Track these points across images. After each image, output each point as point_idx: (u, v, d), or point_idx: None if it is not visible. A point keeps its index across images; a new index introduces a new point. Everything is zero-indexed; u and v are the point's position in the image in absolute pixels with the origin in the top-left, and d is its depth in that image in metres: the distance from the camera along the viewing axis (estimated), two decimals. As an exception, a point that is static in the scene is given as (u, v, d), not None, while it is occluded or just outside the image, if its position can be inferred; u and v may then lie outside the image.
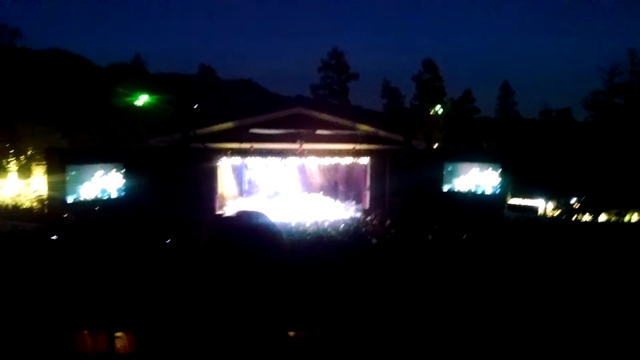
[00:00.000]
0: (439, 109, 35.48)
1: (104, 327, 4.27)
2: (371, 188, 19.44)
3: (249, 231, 1.42)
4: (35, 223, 13.51)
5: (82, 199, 15.56)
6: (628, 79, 35.97)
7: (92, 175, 15.90)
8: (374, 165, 19.25)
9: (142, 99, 22.26)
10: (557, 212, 19.73)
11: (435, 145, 30.95)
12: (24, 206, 18.28)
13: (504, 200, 18.81)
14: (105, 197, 16.19)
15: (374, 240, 10.62)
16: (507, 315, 5.92)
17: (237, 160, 18.91)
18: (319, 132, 18.32)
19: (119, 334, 4.20)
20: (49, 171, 16.10)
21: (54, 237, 10.02)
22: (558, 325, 5.59)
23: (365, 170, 19.78)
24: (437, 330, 5.53)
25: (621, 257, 9.22)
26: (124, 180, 16.68)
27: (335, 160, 19.57)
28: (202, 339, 1.38)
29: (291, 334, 1.46)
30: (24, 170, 22.07)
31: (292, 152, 18.45)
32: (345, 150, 18.86)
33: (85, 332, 4.26)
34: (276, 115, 19.17)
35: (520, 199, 19.70)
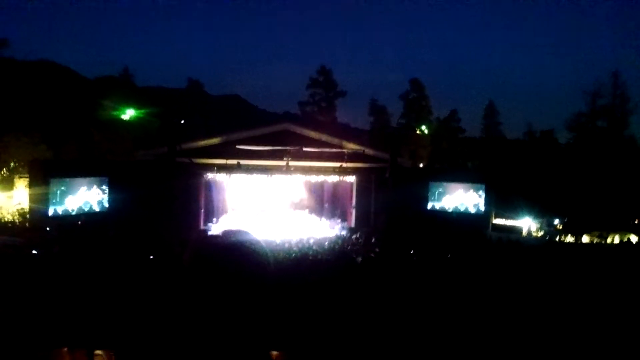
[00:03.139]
0: (425, 128, 35.84)
1: (83, 345, 4.22)
2: (357, 206, 19.49)
3: (233, 249, 1.43)
4: (17, 237, 13.30)
5: (65, 212, 15.35)
6: (610, 101, 36.63)
7: (76, 189, 15.69)
8: (359, 183, 19.32)
9: (129, 112, 22.22)
10: (540, 233, 19.91)
11: (421, 164, 31.17)
12: (5, 219, 18.00)
13: (488, 220, 18.94)
14: (89, 211, 15.99)
15: (358, 259, 10.63)
16: (491, 334, 5.95)
17: (223, 176, 18.85)
18: (305, 149, 18.37)
19: (98, 352, 4.15)
20: (32, 184, 15.83)
21: (35, 252, 9.89)
22: (541, 343, 5.63)
23: (351, 188, 19.83)
24: (420, 348, 5.53)
25: (604, 278, 9.33)
26: (108, 194, 16.50)
27: (322, 177, 19.61)
28: (184, 357, 1.39)
29: (274, 353, 1.46)
30: (7, 183, 21.76)
31: (279, 169, 18.44)
32: (331, 167, 18.90)
33: (64, 349, 4.21)
34: (263, 131, 19.20)
35: (504, 218, 19.85)
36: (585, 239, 19.10)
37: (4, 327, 4.90)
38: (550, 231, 19.95)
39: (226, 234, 1.51)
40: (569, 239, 18.92)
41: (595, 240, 18.87)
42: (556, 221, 21.20)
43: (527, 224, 20.01)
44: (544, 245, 16.74)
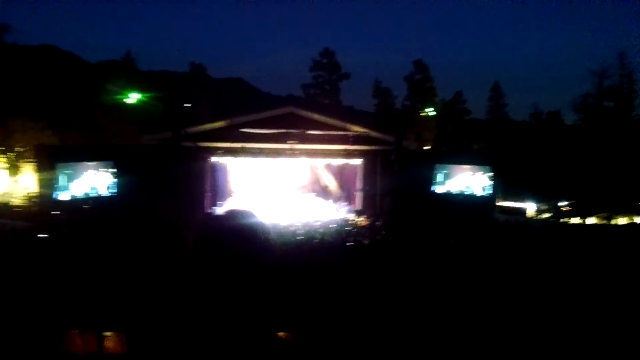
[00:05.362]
0: (430, 110, 35.59)
1: (93, 327, 4.25)
2: (362, 189, 19.45)
3: (238, 231, 1.43)
4: (25, 221, 13.40)
5: (72, 197, 15.40)
6: (618, 82, 36.22)
7: (83, 173, 15.74)
8: (365, 166, 19.24)
9: (133, 97, 22.14)
10: (546, 215, 19.87)
11: (426, 146, 31.05)
12: (13, 204, 18.11)
13: (494, 202, 18.87)
14: (96, 195, 16.03)
15: (364, 241, 10.64)
16: (499, 316, 5.95)
17: (227, 159, 18.84)
18: (310, 132, 18.29)
19: (108, 333, 4.18)
20: (39, 168, 15.90)
21: (43, 236, 9.95)
22: (550, 327, 5.63)
23: (356, 171, 19.78)
24: (427, 330, 5.55)
25: (608, 259, 9.31)
26: (114, 179, 16.53)
27: (327, 160, 19.58)
28: (192, 339, 1.39)
29: (281, 334, 1.46)
30: (13, 167, 21.84)
31: (284, 152, 18.40)
32: (336, 150, 18.83)
33: (75, 332, 4.24)
34: (268, 114, 19.10)
35: (510, 201, 19.80)
36: (592, 220, 19.05)
37: (16, 310, 4.94)
38: (557, 213, 19.90)
39: (231, 213, 1.50)
40: (576, 220, 18.88)
41: (602, 222, 18.82)
42: (562, 203, 21.13)
43: (533, 206, 19.96)
44: (550, 227, 16.71)
